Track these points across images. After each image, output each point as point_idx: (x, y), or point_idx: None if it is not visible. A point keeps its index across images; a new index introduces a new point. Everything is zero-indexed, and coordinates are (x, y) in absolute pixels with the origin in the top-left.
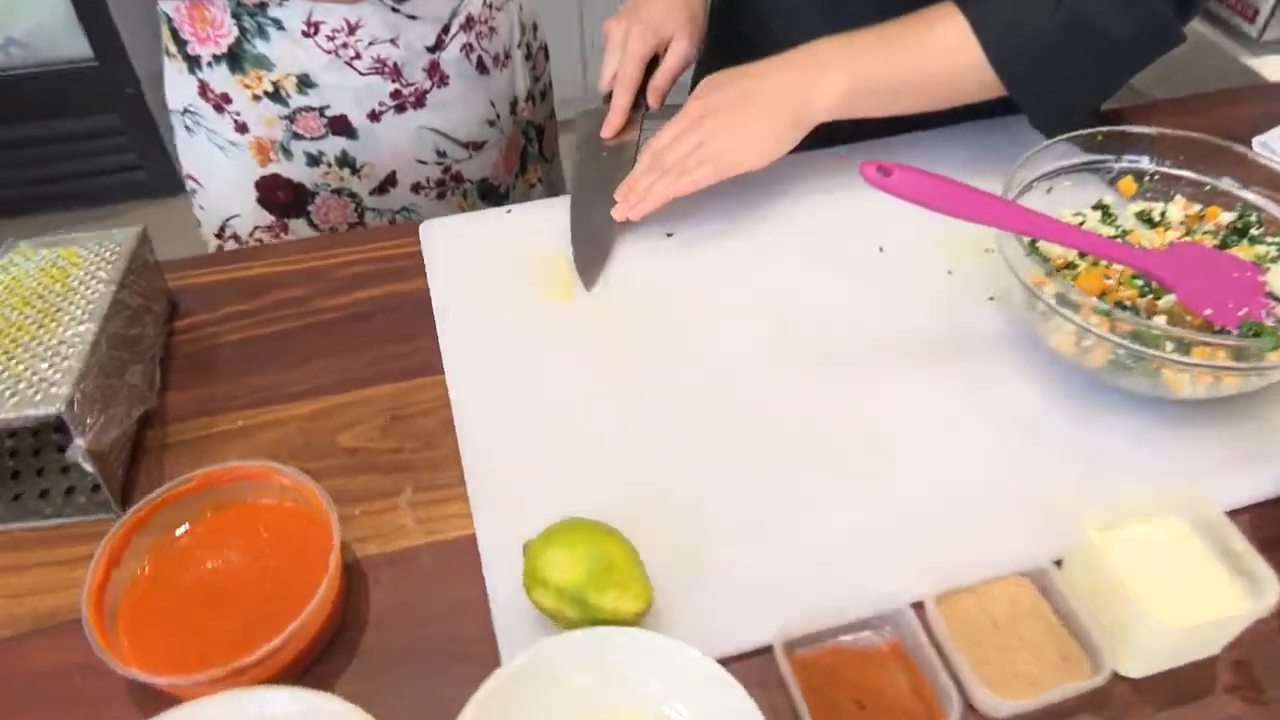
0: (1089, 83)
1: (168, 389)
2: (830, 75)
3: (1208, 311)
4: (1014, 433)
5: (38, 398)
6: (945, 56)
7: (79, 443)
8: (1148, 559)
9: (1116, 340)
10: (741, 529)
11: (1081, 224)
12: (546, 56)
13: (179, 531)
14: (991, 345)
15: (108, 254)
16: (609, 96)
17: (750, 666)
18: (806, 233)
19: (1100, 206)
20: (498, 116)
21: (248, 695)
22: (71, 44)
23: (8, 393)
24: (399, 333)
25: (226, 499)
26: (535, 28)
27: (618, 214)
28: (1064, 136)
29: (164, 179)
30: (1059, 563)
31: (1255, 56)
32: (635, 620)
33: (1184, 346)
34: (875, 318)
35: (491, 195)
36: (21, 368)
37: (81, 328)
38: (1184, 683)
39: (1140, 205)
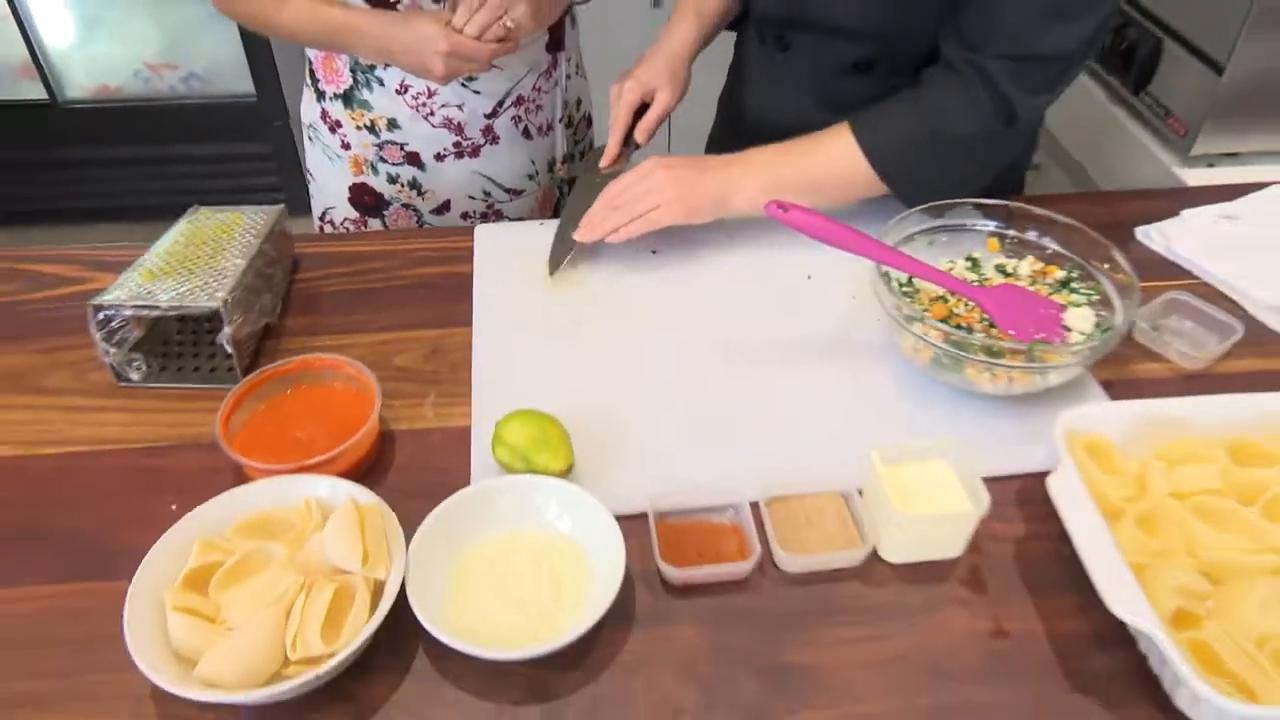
0: (952, 173)
1: (285, 315)
2: (748, 178)
3: (1011, 331)
4: (862, 404)
5: (205, 298)
6: (837, 163)
7: (226, 330)
8: (913, 483)
9: (936, 345)
10: (650, 437)
11: (951, 268)
12: (589, 124)
13: (280, 395)
14: (869, 347)
15: (260, 220)
16: None
17: (635, 523)
18: (754, 261)
19: (970, 258)
20: (537, 172)
21: (301, 478)
22: (238, 80)
23: (186, 294)
24: (446, 296)
25: (313, 379)
26: (580, 102)
27: (578, 236)
28: (929, 205)
29: (298, 202)
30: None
31: (1184, 167)
32: (560, 474)
33: (992, 354)
34: (793, 324)
35: None
36: (197, 281)
37: (238, 260)
38: (931, 571)
39: (1000, 260)
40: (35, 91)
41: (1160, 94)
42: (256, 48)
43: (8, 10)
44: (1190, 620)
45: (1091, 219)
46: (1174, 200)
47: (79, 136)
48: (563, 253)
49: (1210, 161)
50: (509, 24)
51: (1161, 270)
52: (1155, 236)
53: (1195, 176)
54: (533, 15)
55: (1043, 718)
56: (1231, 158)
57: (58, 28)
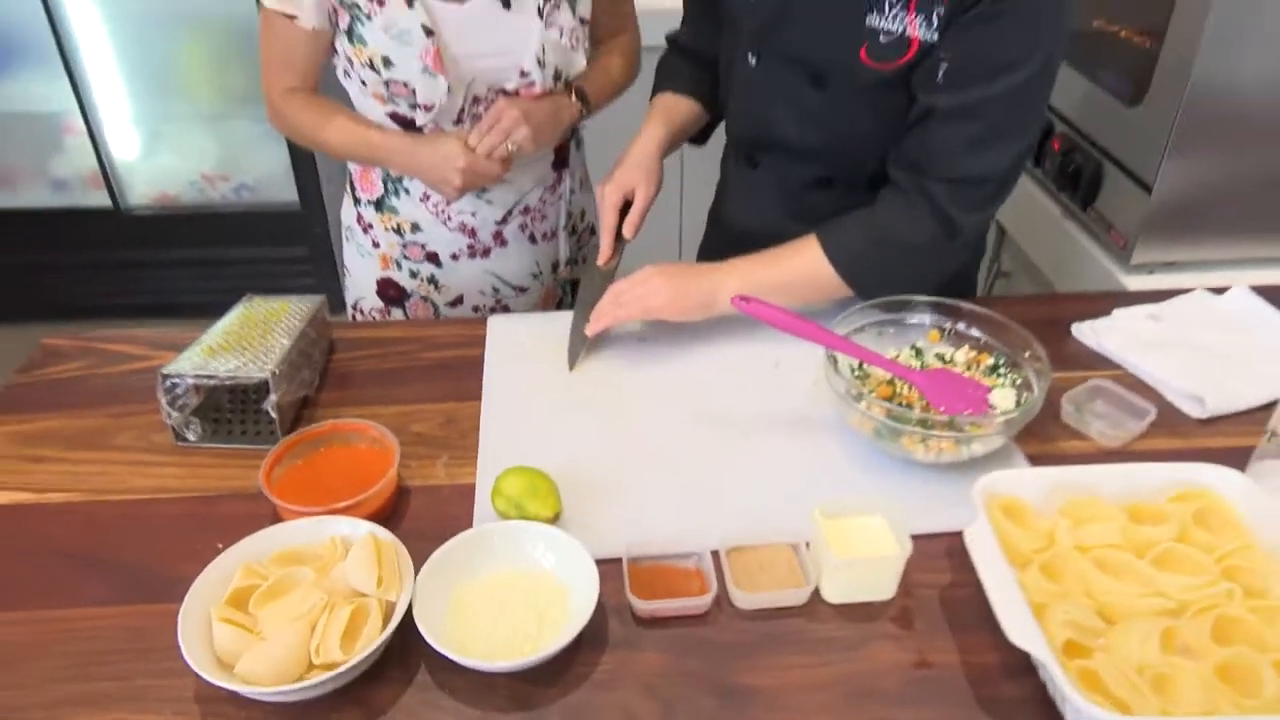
0: (904, 277)
1: (321, 388)
2: (730, 282)
3: (941, 407)
4: (815, 471)
5: (255, 371)
6: (807, 268)
7: (272, 397)
8: (851, 534)
9: (877, 419)
10: (629, 493)
11: (897, 356)
12: (592, 232)
13: (314, 453)
14: (824, 423)
15: (303, 308)
16: None
17: (613, 566)
18: (729, 349)
19: (915, 347)
20: (541, 272)
21: (329, 519)
22: (284, 191)
23: (239, 367)
24: (459, 375)
25: (342, 440)
26: (584, 213)
27: (588, 330)
28: (879, 300)
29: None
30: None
31: (1127, 274)
32: (548, 521)
33: (926, 426)
34: (759, 402)
35: None
36: (249, 356)
37: (284, 340)
38: (865, 610)
39: (940, 349)
40: (101, 199)
41: (1104, 210)
42: (301, 163)
43: (82, 125)
44: (1083, 652)
45: (1036, 316)
46: (1110, 302)
47: (139, 240)
48: (579, 346)
49: (1150, 269)
50: (511, 146)
51: (1091, 362)
52: (1088, 332)
53: (1137, 282)
54: (532, 139)
55: None
56: (1169, 265)
57: (124, 142)
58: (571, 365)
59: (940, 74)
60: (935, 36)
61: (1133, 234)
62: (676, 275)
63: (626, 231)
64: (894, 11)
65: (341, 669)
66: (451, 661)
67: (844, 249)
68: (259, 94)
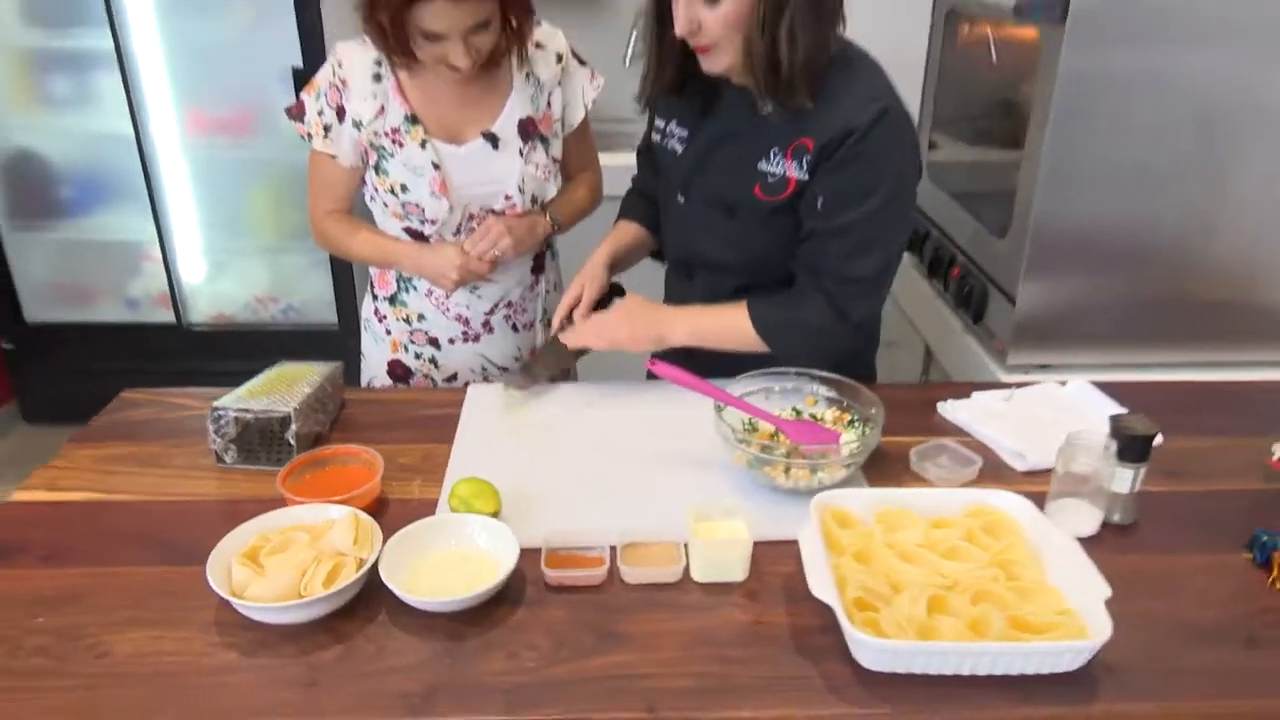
0: (805, 349)
1: (331, 430)
2: (679, 324)
3: (801, 445)
4: (702, 491)
5: (281, 407)
6: (737, 324)
7: (293, 428)
8: (715, 531)
9: (749, 453)
10: (552, 501)
11: (780, 413)
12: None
13: (319, 470)
14: (713, 458)
15: (324, 369)
16: None
17: (535, 553)
18: (651, 403)
19: (795, 408)
20: (520, 356)
21: (322, 506)
22: (326, 313)
23: (270, 405)
24: (441, 427)
25: (341, 461)
26: None
27: (568, 342)
28: (769, 370)
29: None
30: None
31: (1008, 375)
32: (491, 515)
33: (788, 457)
34: (664, 442)
35: None
36: (277, 399)
37: (306, 389)
38: (723, 588)
39: (814, 410)
40: (167, 316)
41: (989, 323)
42: (342, 289)
43: (159, 254)
44: (871, 608)
45: (915, 398)
46: (973, 388)
47: (197, 352)
48: (522, 383)
49: (1026, 370)
50: (497, 252)
51: (947, 430)
52: (949, 409)
53: (1015, 380)
54: (513, 247)
55: (773, 668)
56: (1042, 368)
57: (192, 268)
58: (508, 386)
59: (819, 204)
60: (806, 176)
61: (1008, 341)
62: (637, 316)
63: (577, 315)
64: (776, 159)
65: (320, 595)
66: (403, 604)
67: (762, 319)
68: (308, 229)
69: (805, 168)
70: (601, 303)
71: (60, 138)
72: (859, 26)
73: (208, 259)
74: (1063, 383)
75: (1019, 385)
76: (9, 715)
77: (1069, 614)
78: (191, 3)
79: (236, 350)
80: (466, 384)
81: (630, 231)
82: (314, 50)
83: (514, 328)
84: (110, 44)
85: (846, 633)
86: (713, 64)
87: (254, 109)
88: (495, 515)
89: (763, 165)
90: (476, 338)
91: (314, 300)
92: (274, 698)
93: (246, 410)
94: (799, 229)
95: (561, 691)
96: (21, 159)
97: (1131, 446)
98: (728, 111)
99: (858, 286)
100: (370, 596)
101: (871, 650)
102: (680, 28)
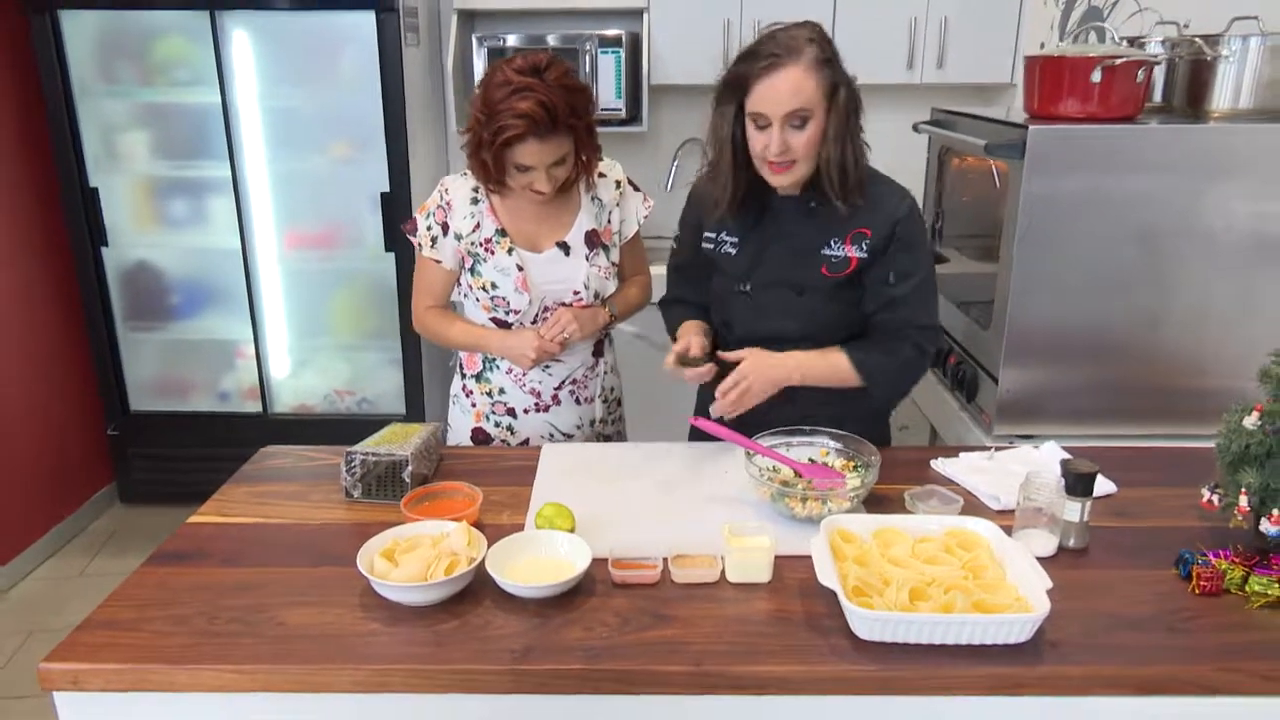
0: (900, 381)
1: (435, 475)
2: (794, 373)
3: (814, 481)
4: (734, 518)
5: (399, 452)
6: (838, 366)
7: (409, 468)
8: (745, 543)
9: (770, 488)
10: (617, 522)
11: (809, 459)
12: (620, 403)
13: (429, 500)
14: (745, 496)
15: (429, 427)
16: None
17: (599, 563)
18: (693, 453)
19: (810, 458)
20: (582, 425)
21: (439, 522)
22: (395, 404)
23: (390, 451)
24: (524, 474)
25: (446, 496)
26: (613, 389)
27: (716, 412)
28: (789, 428)
29: None
30: None
31: (988, 435)
32: (569, 530)
33: (804, 493)
34: (707, 484)
35: None
36: (395, 446)
37: (417, 440)
38: (752, 587)
39: (827, 459)
40: (254, 407)
41: (979, 401)
42: (411, 384)
43: (253, 351)
44: (865, 595)
45: (914, 456)
46: (962, 450)
47: (278, 439)
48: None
49: (1010, 440)
50: (566, 335)
51: (938, 480)
52: (941, 465)
53: (997, 442)
54: (580, 332)
55: (789, 639)
56: (1024, 437)
57: (280, 364)
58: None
59: (890, 278)
60: (865, 255)
61: (993, 415)
62: (761, 370)
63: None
64: (838, 245)
65: (442, 579)
66: (504, 593)
67: (860, 363)
68: (386, 330)
69: (865, 249)
70: (710, 357)
71: (174, 251)
72: (879, 157)
73: (293, 356)
74: (1036, 446)
75: (999, 449)
76: (223, 655)
77: (1021, 600)
78: (298, 140)
79: (315, 437)
80: (540, 445)
81: (694, 321)
82: (399, 180)
83: (577, 400)
84: (228, 174)
85: (845, 608)
86: (787, 178)
87: (344, 227)
88: (571, 532)
89: (825, 250)
90: (546, 408)
91: (386, 394)
92: (410, 652)
93: (372, 454)
94: (853, 297)
95: (628, 651)
96: (139, 270)
97: (1078, 482)
98: (781, 216)
99: (931, 330)
100: (479, 588)
101: (865, 621)
102: (774, 151)
